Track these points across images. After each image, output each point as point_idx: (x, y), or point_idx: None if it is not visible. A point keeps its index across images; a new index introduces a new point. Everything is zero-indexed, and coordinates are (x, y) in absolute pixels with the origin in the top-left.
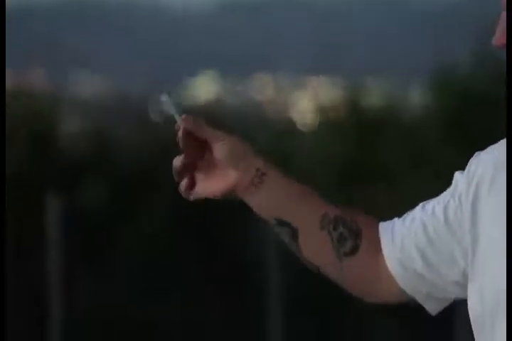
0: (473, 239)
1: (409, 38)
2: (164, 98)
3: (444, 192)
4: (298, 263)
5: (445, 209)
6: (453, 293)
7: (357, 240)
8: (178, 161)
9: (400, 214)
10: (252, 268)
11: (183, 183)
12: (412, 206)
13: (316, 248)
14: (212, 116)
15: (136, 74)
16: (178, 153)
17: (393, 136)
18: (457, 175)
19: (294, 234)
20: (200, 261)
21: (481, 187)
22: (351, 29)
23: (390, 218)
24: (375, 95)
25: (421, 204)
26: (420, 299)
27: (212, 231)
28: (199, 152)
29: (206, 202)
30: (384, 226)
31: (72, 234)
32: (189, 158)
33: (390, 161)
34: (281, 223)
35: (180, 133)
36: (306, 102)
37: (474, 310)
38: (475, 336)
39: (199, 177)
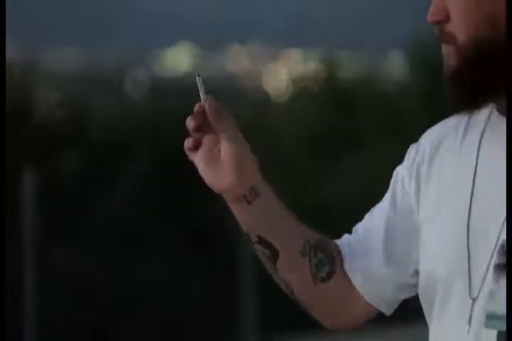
0: (419, 221)
1: (385, 10)
2: (197, 78)
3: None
4: None
5: (392, 198)
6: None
7: (333, 265)
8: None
9: (374, 181)
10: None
11: (190, 141)
12: (387, 173)
13: (293, 272)
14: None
15: (111, 45)
16: (154, 124)
17: (367, 106)
18: (397, 168)
19: (274, 255)
20: (177, 226)
21: (421, 170)
22: (328, 1)
23: (365, 184)
24: (349, 66)
25: (368, 214)
26: (380, 304)
27: (187, 202)
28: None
29: (183, 172)
30: (341, 243)
31: (47, 206)
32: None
33: (365, 131)
34: (263, 242)
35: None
36: (281, 73)
37: (420, 292)
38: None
39: (205, 157)
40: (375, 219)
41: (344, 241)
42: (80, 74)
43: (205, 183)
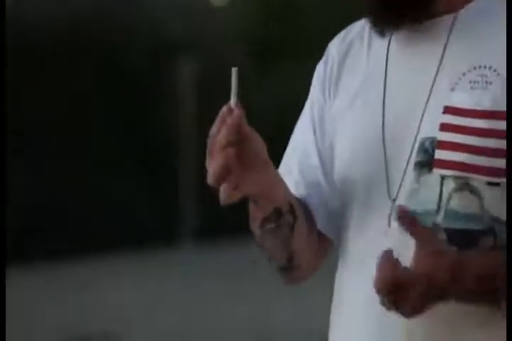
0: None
1: None
2: (233, 71)
3: None
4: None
5: (311, 110)
6: None
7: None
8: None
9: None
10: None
11: (226, 186)
12: None
13: (302, 234)
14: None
15: None
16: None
17: (304, 12)
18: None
19: (294, 222)
20: (121, 143)
21: (331, 83)
22: None
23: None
24: None
25: (292, 147)
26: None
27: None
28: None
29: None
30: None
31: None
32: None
33: (301, 36)
34: (291, 209)
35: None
36: None
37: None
38: None
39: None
40: (306, 153)
41: (292, 184)
42: None
43: None
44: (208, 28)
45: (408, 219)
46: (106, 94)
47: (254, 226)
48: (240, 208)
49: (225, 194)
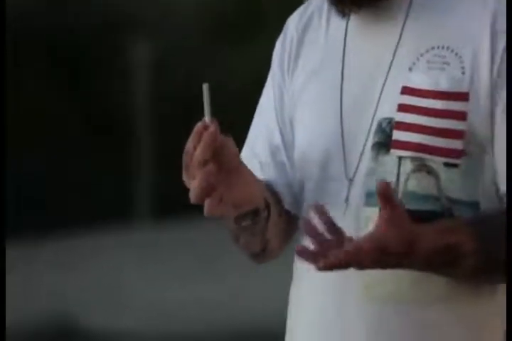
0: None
1: None
2: (205, 87)
3: None
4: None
5: (272, 87)
6: None
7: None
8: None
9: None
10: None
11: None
12: None
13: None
14: None
15: None
16: None
17: None
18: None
19: (269, 215)
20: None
21: (291, 60)
22: None
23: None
24: None
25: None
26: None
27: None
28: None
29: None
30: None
31: None
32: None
33: (260, 11)
34: (260, 211)
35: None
36: None
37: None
38: None
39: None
40: (269, 132)
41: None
42: None
43: None
44: (163, 3)
45: (388, 193)
46: (59, 72)
47: (228, 223)
48: None
49: (211, 208)
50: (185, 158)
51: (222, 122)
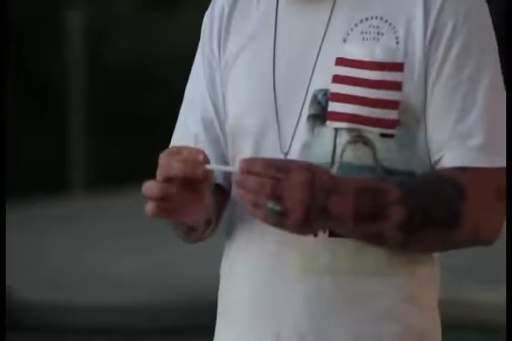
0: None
1: None
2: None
3: None
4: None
5: (202, 60)
6: None
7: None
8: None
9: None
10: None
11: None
12: None
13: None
14: None
15: None
16: None
17: None
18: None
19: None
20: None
21: (221, 33)
22: None
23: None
24: None
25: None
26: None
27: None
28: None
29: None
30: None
31: None
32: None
33: None
34: (212, 220)
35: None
36: None
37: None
38: None
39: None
40: (201, 107)
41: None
42: None
43: None
44: None
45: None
46: None
47: (178, 230)
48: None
49: (156, 211)
50: (165, 160)
51: (153, 81)
